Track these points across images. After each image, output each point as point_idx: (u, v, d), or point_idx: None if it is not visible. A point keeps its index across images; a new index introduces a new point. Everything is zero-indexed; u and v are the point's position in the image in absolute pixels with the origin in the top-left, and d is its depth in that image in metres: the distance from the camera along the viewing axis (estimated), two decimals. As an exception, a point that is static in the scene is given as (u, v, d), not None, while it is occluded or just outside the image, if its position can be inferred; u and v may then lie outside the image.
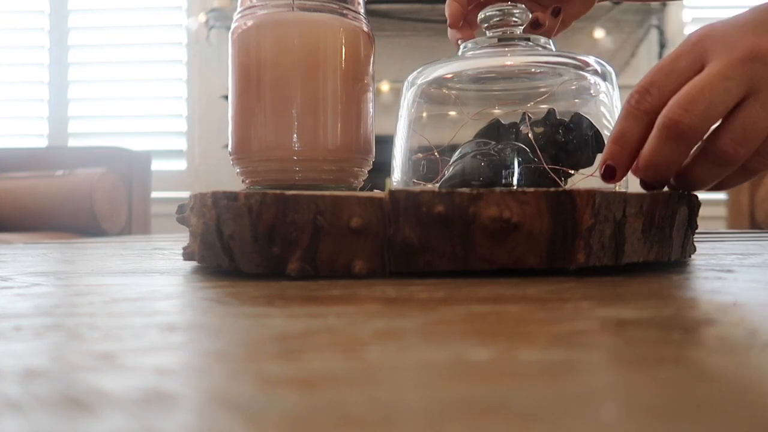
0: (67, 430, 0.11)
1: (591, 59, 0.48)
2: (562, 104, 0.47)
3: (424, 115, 0.49)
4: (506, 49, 0.48)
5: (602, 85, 0.47)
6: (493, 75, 0.50)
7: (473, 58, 0.49)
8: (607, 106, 0.47)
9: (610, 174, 0.36)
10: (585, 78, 0.48)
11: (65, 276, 0.36)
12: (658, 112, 0.35)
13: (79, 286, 0.32)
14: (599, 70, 0.48)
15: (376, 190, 0.45)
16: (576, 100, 0.47)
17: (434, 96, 0.50)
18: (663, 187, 0.37)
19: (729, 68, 0.33)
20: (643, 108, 0.35)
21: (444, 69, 0.50)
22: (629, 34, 2.43)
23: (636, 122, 0.36)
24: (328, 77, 0.43)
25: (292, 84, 0.43)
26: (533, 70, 0.49)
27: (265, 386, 0.14)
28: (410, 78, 0.51)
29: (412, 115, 0.50)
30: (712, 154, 0.35)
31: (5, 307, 0.25)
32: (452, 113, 0.49)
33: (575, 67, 0.48)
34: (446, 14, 0.51)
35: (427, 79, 0.50)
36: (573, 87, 0.48)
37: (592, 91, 0.47)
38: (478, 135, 0.46)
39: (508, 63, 0.48)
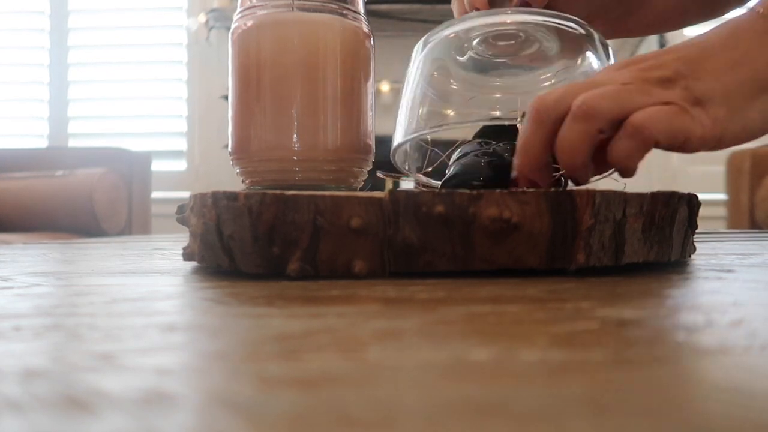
0: (67, 430, 0.11)
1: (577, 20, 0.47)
2: None
3: (435, 74, 0.49)
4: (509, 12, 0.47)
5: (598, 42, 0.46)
6: (501, 30, 0.48)
7: (480, 17, 0.48)
8: None
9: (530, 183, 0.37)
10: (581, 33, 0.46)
11: (65, 276, 0.36)
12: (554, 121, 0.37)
13: (79, 286, 0.32)
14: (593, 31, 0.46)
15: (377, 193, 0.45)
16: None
17: (444, 53, 0.49)
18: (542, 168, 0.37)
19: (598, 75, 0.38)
20: (541, 118, 0.37)
21: (453, 28, 0.49)
22: (629, 34, 2.43)
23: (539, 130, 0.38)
24: (327, 77, 0.43)
25: (292, 84, 0.43)
26: (537, 17, 0.47)
27: (265, 386, 0.14)
28: (423, 39, 0.49)
29: (421, 70, 0.48)
30: (571, 114, 0.36)
31: (5, 307, 0.25)
32: (456, 85, 0.48)
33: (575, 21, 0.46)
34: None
35: (439, 36, 0.49)
36: (580, 71, 0.47)
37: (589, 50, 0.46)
38: (477, 135, 0.46)
39: (519, 20, 0.47)
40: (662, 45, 2.43)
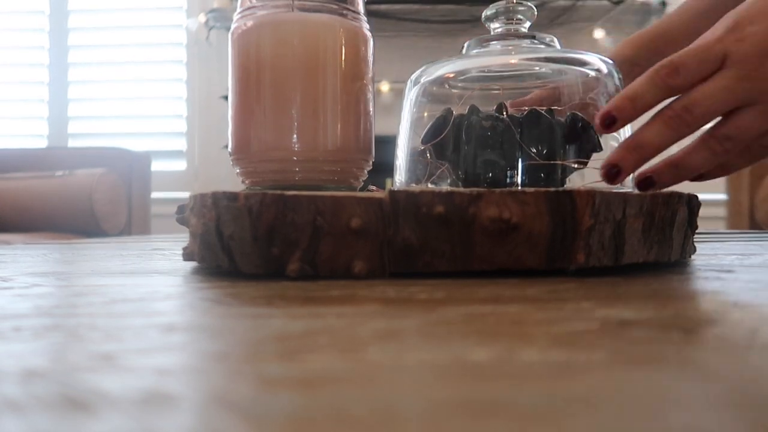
0: (66, 430, 0.11)
1: (596, 58, 0.48)
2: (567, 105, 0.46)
3: (426, 115, 0.49)
4: (510, 47, 0.48)
5: (609, 85, 0.47)
6: (497, 74, 0.49)
7: (477, 57, 0.49)
8: None
9: (609, 124, 0.38)
10: (589, 76, 0.47)
11: (65, 276, 0.36)
12: (677, 92, 0.38)
13: (79, 286, 0.32)
14: (604, 70, 0.47)
15: (371, 186, 0.45)
16: (580, 100, 0.47)
17: (437, 95, 0.50)
18: (635, 170, 0.39)
19: (734, 82, 0.38)
20: (669, 83, 0.38)
21: (448, 67, 0.49)
22: (629, 34, 2.42)
23: (655, 90, 0.38)
24: (327, 78, 0.43)
25: (292, 84, 0.43)
26: (537, 69, 0.48)
27: (265, 386, 0.14)
28: (413, 77, 0.50)
29: (414, 114, 0.49)
30: (706, 143, 0.39)
31: (5, 308, 0.25)
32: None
33: (580, 65, 0.47)
34: None
35: (429, 78, 0.50)
36: (578, 86, 0.47)
37: (597, 91, 0.47)
38: (431, 129, 0.46)
39: (513, 62, 0.48)
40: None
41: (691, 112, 0.38)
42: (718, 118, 0.39)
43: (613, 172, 0.38)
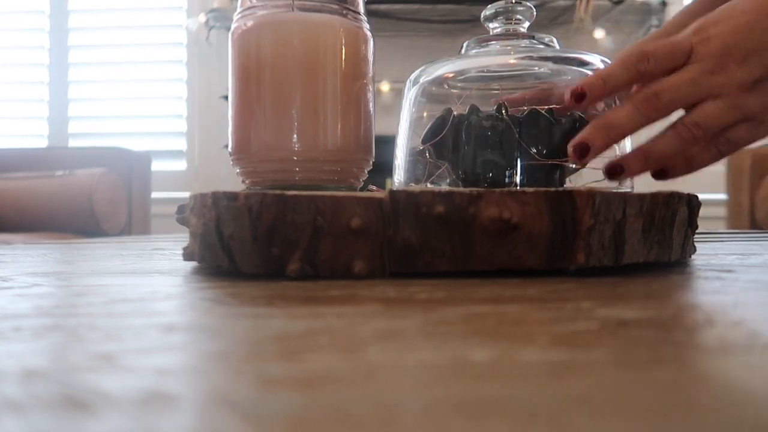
0: (67, 430, 0.11)
1: (595, 58, 0.48)
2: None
3: (425, 114, 0.49)
4: (509, 47, 0.48)
5: None
6: (496, 74, 0.49)
7: (476, 57, 0.49)
8: None
9: (579, 99, 0.41)
10: (587, 76, 0.47)
11: (65, 276, 0.36)
12: (644, 78, 0.42)
13: (79, 286, 0.32)
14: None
15: (371, 186, 0.45)
16: None
17: (436, 95, 0.50)
18: (604, 149, 0.41)
19: (699, 75, 0.41)
20: (638, 68, 0.41)
21: (447, 67, 0.49)
22: (629, 34, 2.43)
23: (626, 73, 0.41)
24: (328, 78, 0.43)
25: (292, 84, 0.43)
26: (536, 69, 0.48)
27: (266, 386, 0.14)
28: (413, 76, 0.50)
29: (414, 114, 0.49)
30: (674, 129, 0.41)
31: (5, 308, 0.25)
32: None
33: (579, 64, 0.48)
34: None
35: (429, 78, 0.50)
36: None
37: None
38: (430, 129, 0.46)
39: (512, 62, 0.48)
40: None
41: (659, 98, 0.40)
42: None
43: (581, 150, 0.40)
